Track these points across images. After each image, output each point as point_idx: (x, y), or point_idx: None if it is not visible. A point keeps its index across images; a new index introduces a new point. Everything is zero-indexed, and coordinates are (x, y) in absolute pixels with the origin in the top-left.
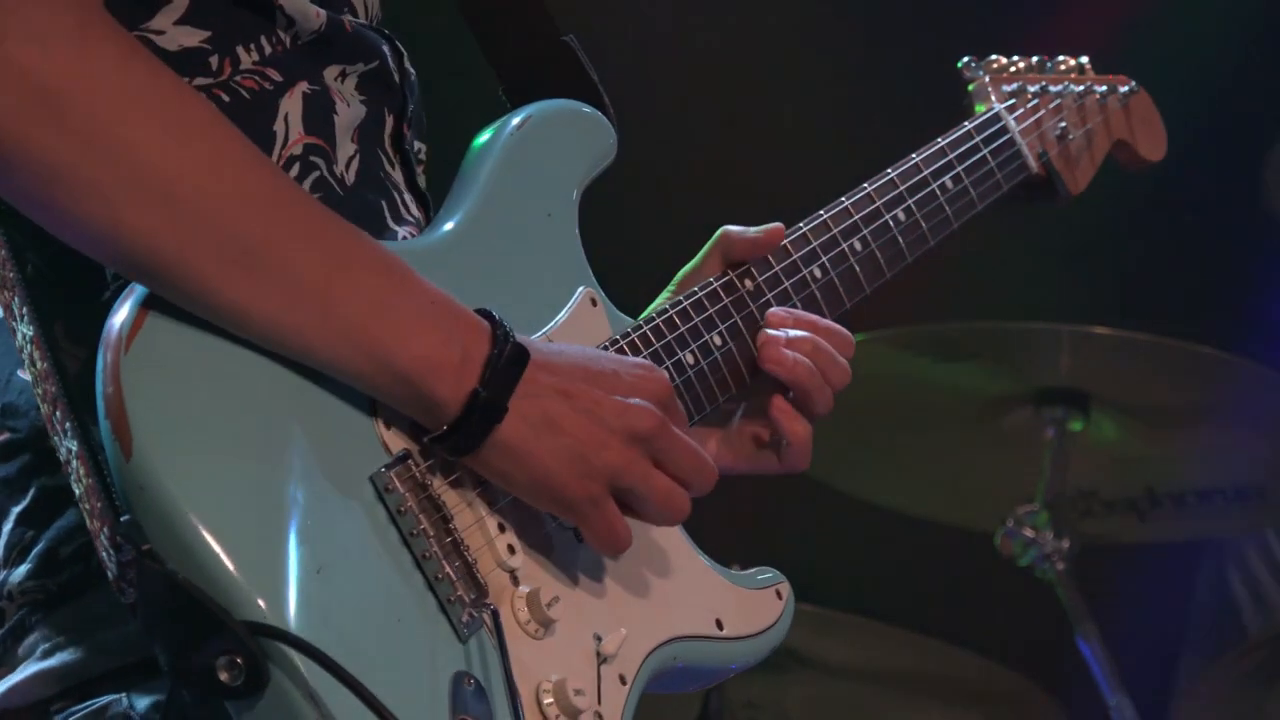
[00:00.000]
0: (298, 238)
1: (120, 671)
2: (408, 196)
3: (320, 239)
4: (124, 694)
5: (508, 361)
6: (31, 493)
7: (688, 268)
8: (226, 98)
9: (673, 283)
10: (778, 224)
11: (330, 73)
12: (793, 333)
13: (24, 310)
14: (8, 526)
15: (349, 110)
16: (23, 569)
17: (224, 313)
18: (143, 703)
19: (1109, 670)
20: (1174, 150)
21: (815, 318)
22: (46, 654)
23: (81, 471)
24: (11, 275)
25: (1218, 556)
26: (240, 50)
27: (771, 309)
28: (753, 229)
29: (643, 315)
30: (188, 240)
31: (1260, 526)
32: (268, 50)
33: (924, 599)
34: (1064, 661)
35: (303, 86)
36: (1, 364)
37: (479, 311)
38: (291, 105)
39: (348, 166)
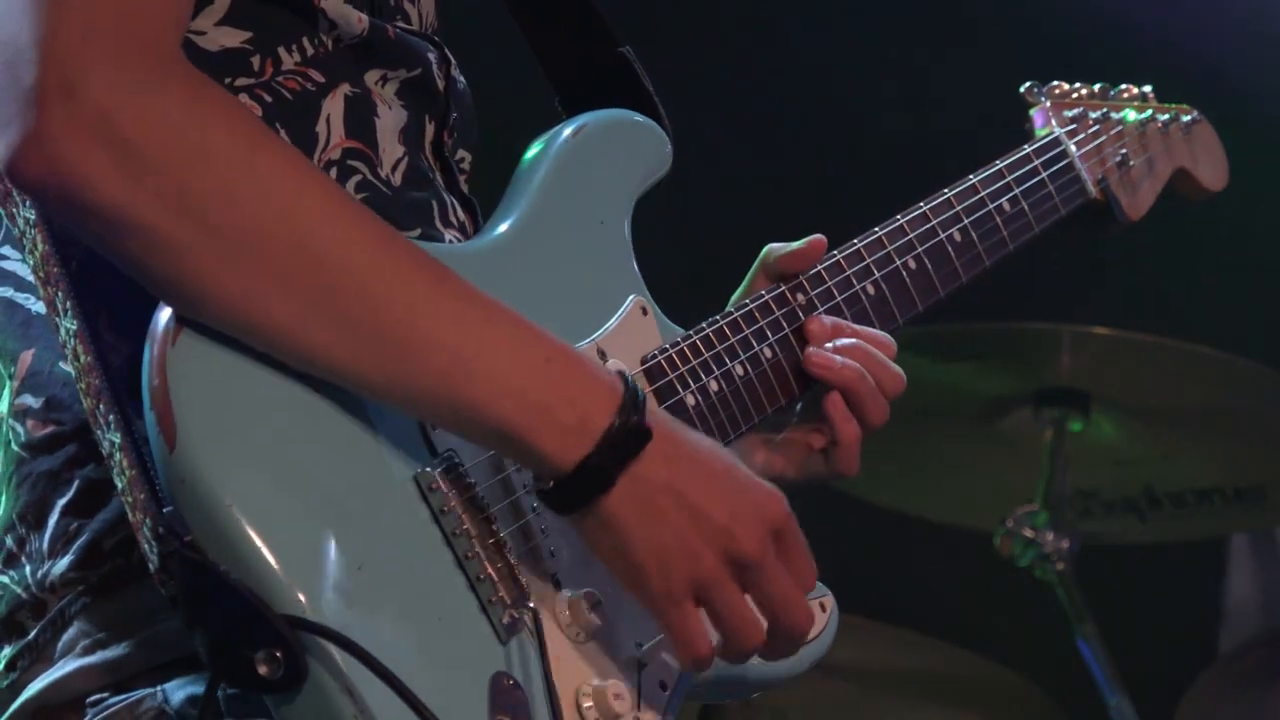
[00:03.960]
0: (384, 284)
1: (161, 667)
2: (453, 200)
3: (409, 285)
4: (159, 688)
5: (629, 437)
6: (76, 484)
7: (739, 291)
8: (269, 98)
9: (728, 307)
10: (819, 235)
11: (371, 77)
12: (840, 342)
13: (68, 305)
14: (53, 518)
15: (391, 114)
16: (65, 560)
17: (303, 361)
18: (177, 696)
19: (1109, 670)
20: None
21: (858, 327)
22: (87, 650)
23: (125, 464)
24: (56, 270)
25: (1218, 556)
26: (282, 51)
27: (811, 319)
28: (795, 243)
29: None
30: (261, 291)
31: (1260, 526)
32: (309, 51)
33: (924, 599)
34: (1064, 661)
35: (345, 88)
36: (44, 356)
37: (621, 375)
38: (334, 107)
39: (395, 168)
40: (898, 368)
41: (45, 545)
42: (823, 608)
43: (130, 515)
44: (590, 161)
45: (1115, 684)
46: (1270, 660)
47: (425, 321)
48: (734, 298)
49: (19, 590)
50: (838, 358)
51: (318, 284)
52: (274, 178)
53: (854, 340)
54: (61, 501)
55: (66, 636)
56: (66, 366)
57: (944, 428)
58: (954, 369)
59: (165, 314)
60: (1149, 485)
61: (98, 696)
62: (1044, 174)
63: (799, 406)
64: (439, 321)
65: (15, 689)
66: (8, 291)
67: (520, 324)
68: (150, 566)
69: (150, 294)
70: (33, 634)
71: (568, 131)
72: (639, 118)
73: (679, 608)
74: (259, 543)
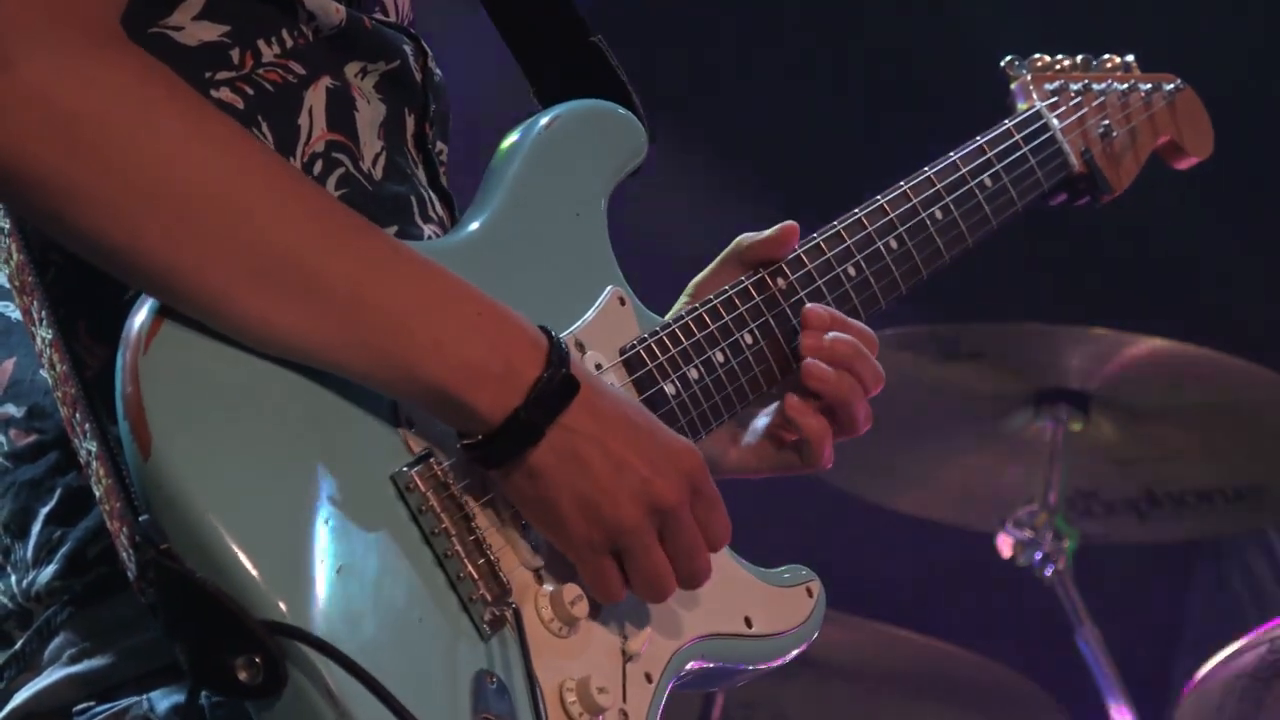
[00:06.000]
0: (324, 250)
1: (147, 676)
2: (433, 195)
3: (349, 250)
4: (144, 696)
5: (557, 389)
6: (58, 493)
7: (701, 275)
8: (250, 91)
9: (687, 290)
10: (790, 222)
11: (350, 69)
12: (833, 334)
13: (43, 314)
14: (36, 527)
15: (370, 108)
16: (50, 569)
17: (247, 329)
18: (163, 705)
19: (1109, 670)
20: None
21: (849, 320)
22: (74, 659)
23: (101, 472)
24: (31, 280)
25: (1218, 556)
26: (261, 44)
27: (808, 306)
28: (766, 231)
29: (668, 316)
30: (207, 257)
31: (1260, 526)
32: (289, 43)
33: (924, 599)
34: (1064, 661)
35: (326, 81)
36: (24, 365)
37: (541, 328)
38: (315, 99)
39: (374, 163)
40: (879, 365)
41: (29, 554)
42: (809, 593)
43: (108, 524)
44: (564, 152)
45: (1115, 684)
46: (1270, 660)
47: (368, 288)
48: (694, 282)
49: (5, 600)
50: (832, 371)
51: (262, 251)
52: (220, 147)
53: (846, 335)
54: (44, 510)
55: (53, 645)
56: (46, 374)
57: (944, 428)
58: (954, 369)
59: (138, 320)
60: (1149, 485)
61: (84, 705)
62: (1025, 148)
63: (766, 401)
64: (379, 286)
65: (3, 698)
66: None
67: (449, 279)
68: (129, 575)
69: (112, 282)
70: (19, 644)
71: (542, 123)
72: (613, 107)
73: (600, 556)
74: (235, 548)
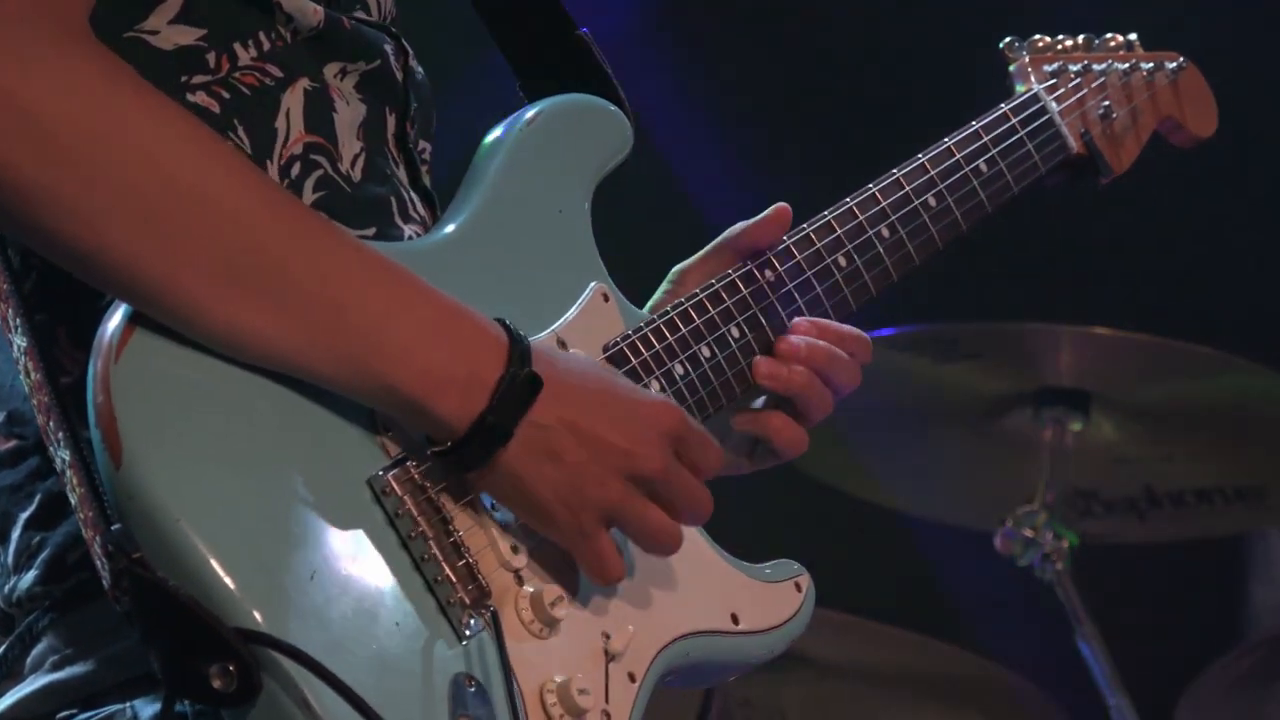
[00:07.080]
0: (291, 254)
1: (129, 683)
2: (414, 194)
3: (315, 254)
4: (129, 704)
5: (521, 387)
6: (38, 498)
7: (686, 263)
8: (227, 94)
9: (669, 277)
10: (782, 204)
11: (330, 70)
12: (807, 339)
13: (18, 321)
14: (16, 533)
15: (349, 109)
16: (30, 575)
17: (215, 333)
18: (147, 712)
19: (1109, 670)
20: (1174, 149)
21: (837, 325)
22: (56, 666)
23: (75, 481)
24: (6, 287)
25: (1218, 556)
26: (237, 47)
27: (795, 320)
28: (758, 216)
29: (647, 306)
30: (174, 259)
31: (1260, 526)
32: (266, 46)
33: (924, 599)
34: (1064, 661)
35: (304, 83)
36: (5, 370)
37: (500, 323)
38: (293, 101)
39: (353, 164)
40: (857, 370)
41: (10, 559)
42: (798, 587)
43: (83, 532)
44: (548, 148)
45: (1115, 684)
46: (1270, 660)
47: (332, 292)
48: (678, 269)
49: None
50: (784, 367)
51: (229, 253)
52: (187, 149)
53: (822, 343)
54: (24, 515)
55: (36, 652)
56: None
57: (944, 428)
58: (954, 369)
59: (109, 327)
60: (1149, 485)
61: (67, 713)
62: (1022, 132)
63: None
64: (343, 291)
65: None
66: None
67: (411, 282)
68: (104, 583)
69: (99, 293)
70: (2, 649)
71: (526, 117)
72: (597, 101)
73: (591, 540)
74: (208, 556)
